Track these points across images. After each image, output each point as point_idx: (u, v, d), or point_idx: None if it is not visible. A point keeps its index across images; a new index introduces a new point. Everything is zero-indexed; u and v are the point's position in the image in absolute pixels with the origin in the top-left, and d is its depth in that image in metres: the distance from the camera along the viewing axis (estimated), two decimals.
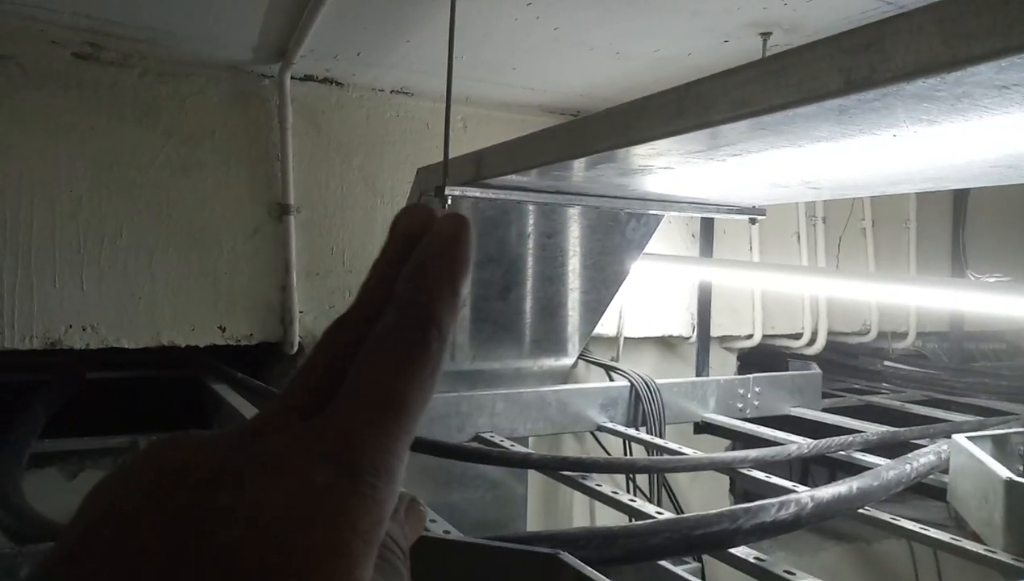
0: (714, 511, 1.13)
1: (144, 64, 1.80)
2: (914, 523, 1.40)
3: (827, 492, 1.29)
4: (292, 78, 1.93)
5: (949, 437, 1.60)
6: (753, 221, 1.65)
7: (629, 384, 2.19)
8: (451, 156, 1.39)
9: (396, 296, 0.28)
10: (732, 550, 1.17)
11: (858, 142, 0.81)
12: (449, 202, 1.33)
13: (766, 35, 1.63)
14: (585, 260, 1.89)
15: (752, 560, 1.15)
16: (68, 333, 1.73)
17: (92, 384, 2.10)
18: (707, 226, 2.56)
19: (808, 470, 3.27)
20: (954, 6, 0.55)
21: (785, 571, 1.11)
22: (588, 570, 0.77)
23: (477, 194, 1.33)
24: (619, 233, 1.83)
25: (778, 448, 1.79)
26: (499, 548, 0.84)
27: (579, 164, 1.08)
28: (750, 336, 2.84)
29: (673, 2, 1.48)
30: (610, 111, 0.94)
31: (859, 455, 1.84)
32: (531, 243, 1.78)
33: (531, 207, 1.67)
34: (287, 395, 0.28)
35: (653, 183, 1.30)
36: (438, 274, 0.28)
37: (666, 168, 1.08)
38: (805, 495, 1.25)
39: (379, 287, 0.30)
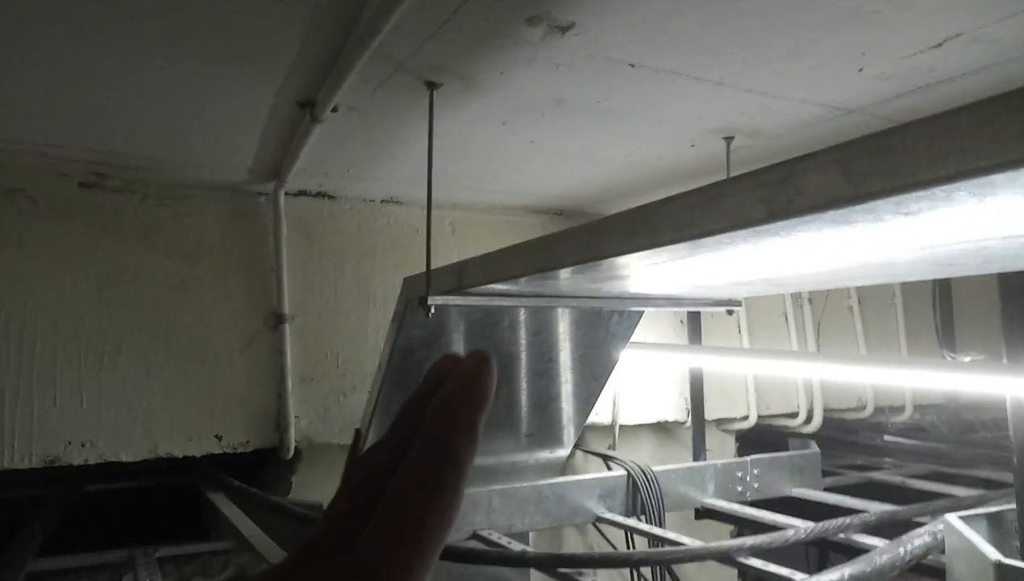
0: None
1: (145, 189, 1.91)
2: None
3: None
4: (286, 194, 2.04)
5: (947, 515, 1.60)
6: (730, 312, 1.71)
7: (626, 473, 2.20)
8: (440, 260, 1.47)
9: (422, 432, 0.32)
10: None
11: (795, 251, 0.88)
12: (432, 311, 1.39)
13: (729, 139, 1.73)
14: (572, 354, 1.94)
15: None
16: (67, 450, 1.77)
17: (90, 496, 2.11)
18: (694, 313, 2.62)
19: (826, 554, 3.20)
20: (852, 149, 0.63)
21: None
22: None
23: (459, 302, 1.40)
24: (603, 327, 1.89)
25: (776, 534, 1.78)
26: None
27: (552, 274, 1.14)
28: (746, 417, 2.86)
29: (637, 114, 1.59)
30: (572, 230, 1.02)
31: (859, 536, 1.83)
32: (518, 341, 1.83)
33: (516, 309, 1.74)
34: (321, 529, 0.31)
35: (628, 284, 1.37)
36: (458, 411, 0.32)
37: (633, 275, 1.14)
38: None
39: (407, 419, 0.34)
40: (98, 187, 1.85)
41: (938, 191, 0.58)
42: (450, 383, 0.33)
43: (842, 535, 1.85)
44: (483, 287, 1.39)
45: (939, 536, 1.59)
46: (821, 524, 1.84)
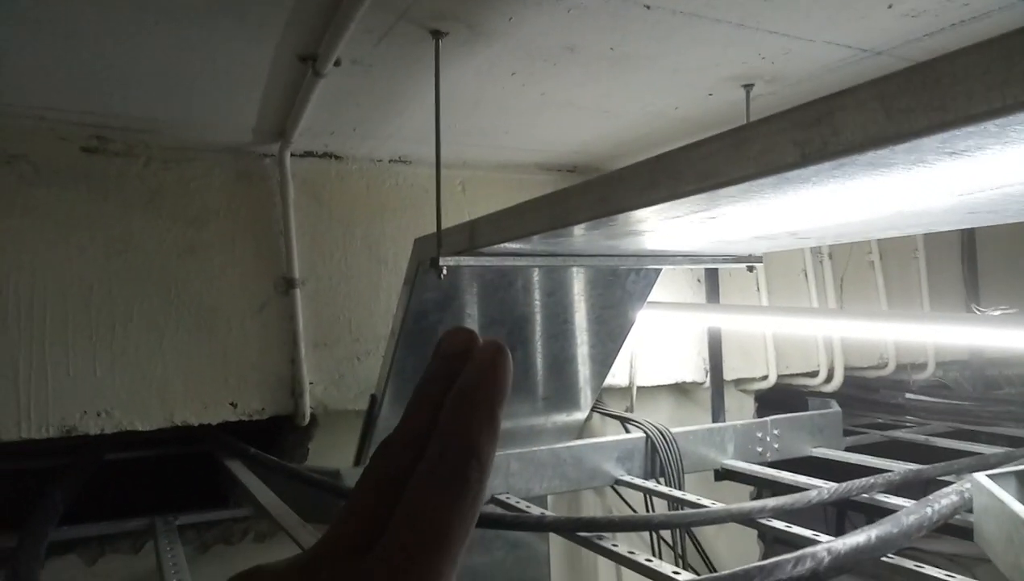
0: (727, 572, 1.11)
1: (148, 152, 1.87)
2: (939, 570, 1.36)
3: (844, 543, 1.25)
4: (292, 155, 1.99)
5: (975, 473, 1.56)
6: (751, 269, 1.65)
7: (644, 435, 2.17)
8: (450, 221, 1.42)
9: (439, 427, 0.31)
10: None
11: (825, 201, 0.83)
12: (444, 272, 1.35)
13: (748, 86, 1.66)
14: (588, 315, 1.90)
15: None
16: (83, 419, 1.76)
17: (110, 465, 2.12)
18: (712, 271, 2.56)
19: (845, 514, 3.18)
20: (893, 82, 0.57)
21: None
22: None
23: (471, 263, 1.36)
24: (619, 287, 1.84)
25: (798, 495, 1.75)
26: None
27: (566, 231, 1.10)
28: (765, 377, 2.81)
29: (653, 62, 1.51)
30: (588, 183, 0.96)
31: (883, 497, 1.80)
32: (533, 302, 1.79)
33: (529, 268, 1.69)
34: (340, 528, 0.30)
35: (644, 241, 1.31)
36: (478, 404, 0.31)
37: (650, 230, 1.09)
38: (822, 548, 1.22)
39: (422, 409, 0.32)
40: (100, 151, 1.81)
41: (991, 126, 0.53)
42: (467, 375, 0.32)
43: (866, 495, 1.81)
44: (496, 247, 1.34)
45: (966, 495, 1.55)
46: (844, 484, 1.81)
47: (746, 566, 1.15)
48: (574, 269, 1.74)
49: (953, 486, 1.59)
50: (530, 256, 1.43)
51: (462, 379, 0.32)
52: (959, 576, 1.33)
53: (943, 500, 1.51)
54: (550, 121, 1.92)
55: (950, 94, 0.53)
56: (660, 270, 1.85)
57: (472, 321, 1.77)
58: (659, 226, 1.04)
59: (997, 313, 1.49)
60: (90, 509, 1.83)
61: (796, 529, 1.59)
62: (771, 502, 1.69)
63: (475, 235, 1.28)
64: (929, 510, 1.47)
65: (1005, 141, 0.57)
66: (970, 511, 1.55)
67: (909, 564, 1.38)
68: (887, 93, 0.57)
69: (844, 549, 1.25)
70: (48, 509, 1.68)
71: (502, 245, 1.33)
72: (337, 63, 1.40)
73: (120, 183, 1.84)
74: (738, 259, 1.62)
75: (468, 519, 0.29)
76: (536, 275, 1.73)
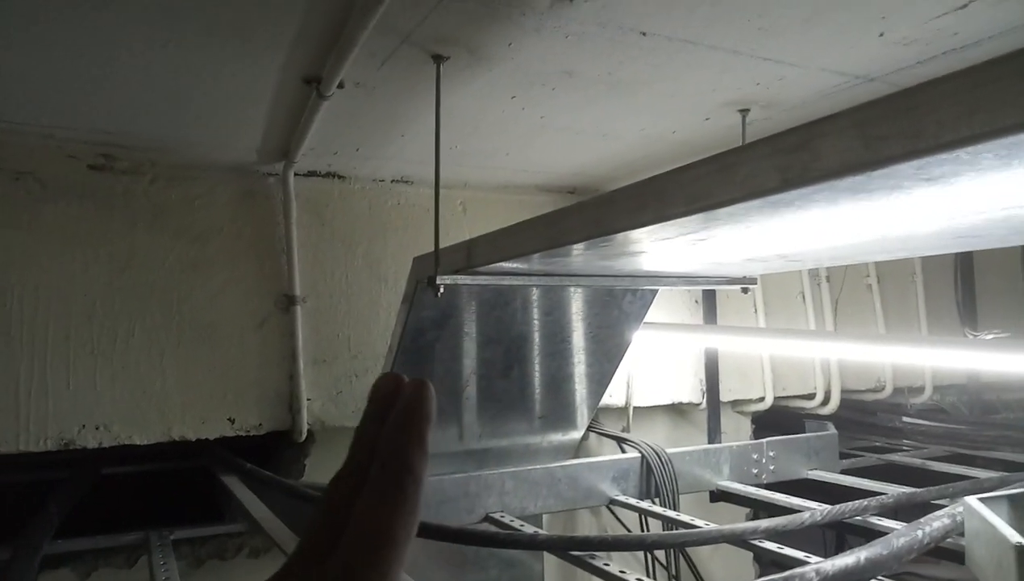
0: None
1: (155, 171, 1.90)
2: None
3: (833, 565, 1.26)
4: (296, 174, 2.02)
5: (967, 496, 1.57)
6: (745, 290, 1.68)
7: (640, 455, 2.17)
8: (452, 240, 1.45)
9: (378, 453, 0.37)
10: None
11: (811, 224, 0.85)
12: (442, 290, 1.37)
13: (744, 111, 1.69)
14: (585, 335, 1.92)
15: None
16: (81, 433, 1.77)
17: (106, 479, 2.13)
18: (709, 292, 2.59)
19: (843, 536, 3.17)
20: (871, 110, 0.60)
21: None
22: None
23: (468, 282, 1.38)
24: (616, 307, 1.87)
25: (791, 517, 1.75)
26: None
27: (562, 251, 1.12)
28: (762, 399, 2.82)
29: (650, 88, 1.55)
30: (582, 205, 0.99)
31: (876, 520, 1.80)
32: (530, 321, 1.81)
33: (527, 288, 1.72)
34: (302, 546, 0.36)
35: (640, 262, 1.34)
36: (408, 430, 0.38)
37: (644, 251, 1.12)
38: (810, 569, 1.23)
39: (363, 444, 0.39)
40: (107, 169, 1.84)
41: (963, 153, 0.55)
42: (398, 408, 0.38)
43: (859, 518, 1.82)
44: (493, 266, 1.37)
45: (958, 519, 1.55)
46: (838, 507, 1.81)
47: None
48: (571, 289, 1.76)
49: (945, 509, 1.60)
50: (527, 275, 1.45)
51: (394, 413, 0.38)
52: None
53: (935, 523, 1.52)
54: (549, 144, 1.96)
55: (924, 122, 0.55)
56: (656, 291, 1.87)
57: (470, 339, 1.79)
58: (652, 247, 1.06)
59: (989, 337, 1.51)
60: (85, 523, 1.83)
61: (788, 551, 1.59)
62: (764, 523, 1.69)
63: (473, 254, 1.31)
64: (920, 533, 1.47)
65: (978, 168, 0.60)
66: (962, 534, 1.55)
67: None
68: (865, 120, 0.59)
69: (833, 571, 1.25)
70: (43, 522, 1.69)
71: (499, 264, 1.35)
72: (341, 85, 1.43)
73: (126, 200, 1.87)
74: (732, 281, 1.64)
75: (409, 524, 0.35)
76: (533, 295, 1.75)
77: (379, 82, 1.48)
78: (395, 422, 0.38)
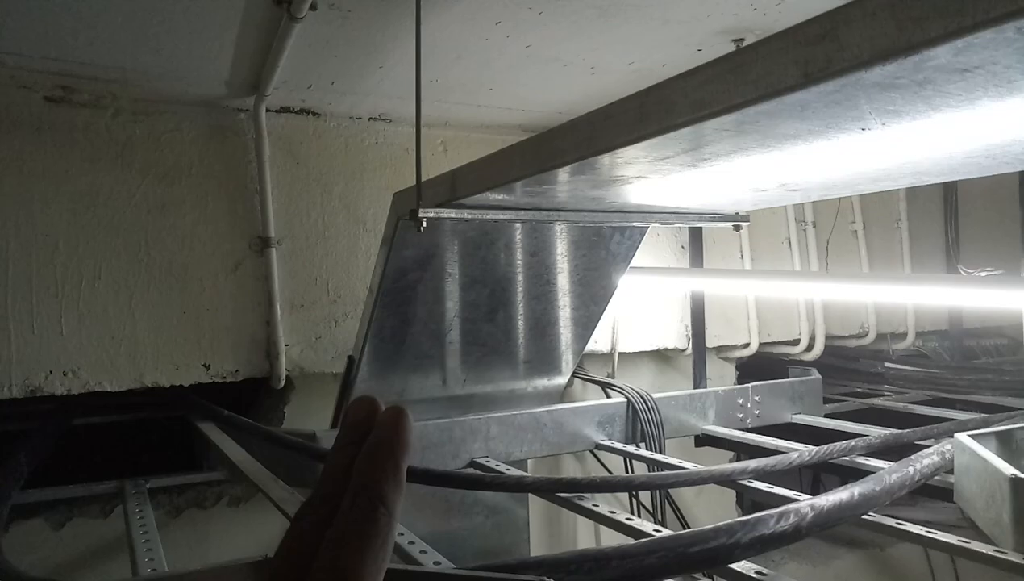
0: (710, 526, 1.09)
1: (117, 104, 1.79)
2: (920, 527, 1.36)
3: (827, 500, 1.24)
4: (268, 110, 1.92)
5: (953, 436, 1.57)
6: (737, 228, 1.63)
7: (626, 400, 2.15)
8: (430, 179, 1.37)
9: (351, 483, 0.35)
10: (733, 566, 1.13)
11: (828, 139, 0.79)
12: (424, 225, 1.31)
13: (739, 41, 1.62)
14: (571, 276, 1.87)
15: (753, 574, 1.11)
16: (49, 379, 1.70)
17: (79, 430, 2.07)
18: (695, 236, 2.54)
19: (819, 478, 3.22)
20: None
21: None
22: None
23: (452, 215, 1.31)
24: (603, 248, 1.81)
25: (779, 457, 1.74)
26: (483, 578, 0.81)
27: (551, 177, 1.06)
28: (747, 345, 2.81)
29: (642, 12, 1.47)
30: (575, 121, 0.92)
31: (863, 460, 1.80)
32: (515, 262, 1.75)
33: (513, 225, 1.65)
34: (270, 578, 0.34)
35: (631, 194, 1.28)
36: (383, 461, 0.35)
37: (639, 177, 1.05)
38: (805, 504, 1.21)
39: (334, 473, 0.36)
40: (65, 102, 1.73)
41: (1011, 30, 0.49)
42: (372, 436, 0.36)
43: (846, 458, 1.82)
44: (478, 198, 1.30)
45: (947, 456, 1.56)
46: (825, 447, 1.80)
47: (729, 521, 1.13)
48: (558, 228, 1.70)
49: (934, 447, 1.60)
50: (513, 209, 1.39)
51: (369, 440, 0.36)
52: (939, 531, 1.32)
53: (924, 460, 1.52)
54: (534, 77, 1.87)
55: None
56: (645, 231, 1.82)
57: (453, 281, 1.73)
58: (647, 170, 1.00)
59: (984, 274, 1.49)
60: (58, 475, 1.77)
61: (777, 490, 1.58)
62: (752, 463, 1.68)
63: (457, 185, 1.24)
64: (911, 469, 1.47)
65: None
66: (950, 472, 1.55)
67: (891, 522, 1.38)
68: (898, 0, 0.53)
69: (827, 505, 1.24)
70: (11, 470, 1.62)
71: (485, 196, 1.28)
72: (313, 6, 1.34)
73: (87, 136, 1.76)
74: (725, 217, 1.59)
75: (379, 562, 0.33)
76: (519, 234, 1.69)
77: (355, 4, 1.39)
78: (369, 451, 0.36)
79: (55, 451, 1.85)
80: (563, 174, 1.03)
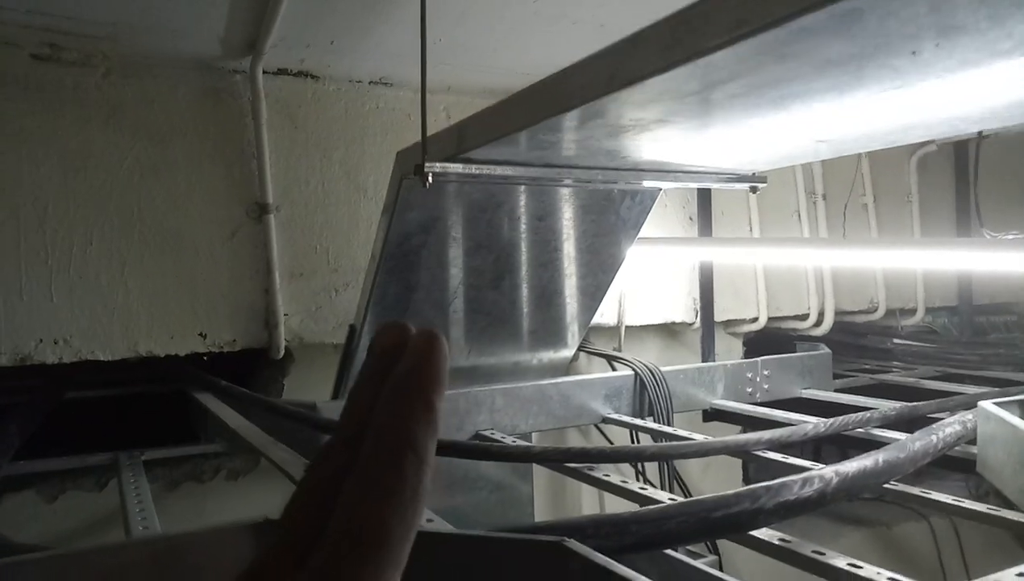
0: (732, 491, 1.05)
1: (107, 63, 1.72)
2: (947, 496, 1.31)
3: (852, 466, 1.20)
4: (264, 72, 1.85)
5: (971, 408, 1.53)
6: (754, 189, 1.57)
7: (633, 373, 2.10)
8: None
9: (372, 422, 0.29)
10: (754, 533, 1.08)
11: (876, 65, 0.73)
12: (430, 180, 1.24)
13: None
14: (579, 243, 1.81)
15: (777, 542, 1.06)
16: (39, 348, 1.64)
17: (72, 403, 2.01)
18: (704, 206, 2.48)
19: (820, 453, 3.18)
20: None
21: (814, 551, 1.03)
22: (598, 556, 0.68)
23: (459, 169, 1.25)
24: (613, 212, 1.75)
25: (793, 428, 1.70)
26: (498, 539, 0.76)
27: (567, 123, 0.99)
28: (755, 319, 2.76)
29: None
30: (597, 54, 0.86)
31: (878, 431, 1.76)
32: (522, 227, 1.69)
33: (520, 188, 1.59)
34: (275, 543, 0.28)
35: (645, 147, 1.22)
36: (412, 393, 0.29)
37: (659, 121, 0.99)
38: (829, 470, 1.16)
39: (357, 409, 0.30)
40: (53, 60, 1.66)
41: None
42: (400, 366, 0.30)
43: (861, 430, 1.77)
44: (486, 153, 1.24)
45: (969, 425, 1.52)
46: (841, 418, 1.76)
47: (752, 486, 1.09)
48: (566, 192, 1.64)
49: (954, 417, 1.55)
50: (523, 165, 1.32)
51: (395, 371, 0.30)
52: (967, 500, 1.28)
53: (947, 429, 1.47)
54: (542, 38, 1.80)
55: None
56: (656, 195, 1.76)
57: (457, 245, 1.67)
58: (669, 112, 0.94)
59: (1010, 237, 1.44)
60: (50, 448, 1.72)
61: (793, 460, 1.53)
62: (767, 434, 1.63)
63: (464, 136, 1.18)
64: (934, 438, 1.42)
65: None
66: (970, 443, 1.52)
67: (915, 490, 1.33)
68: None
69: (852, 471, 1.19)
70: (1, 440, 1.57)
71: (492, 151, 1.22)
72: None
73: (77, 95, 1.69)
74: (741, 178, 1.53)
75: (408, 517, 0.27)
76: (526, 197, 1.63)
77: None
78: (396, 384, 0.29)
79: (47, 423, 1.80)
80: (579, 118, 0.97)
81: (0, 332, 1.61)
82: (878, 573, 0.95)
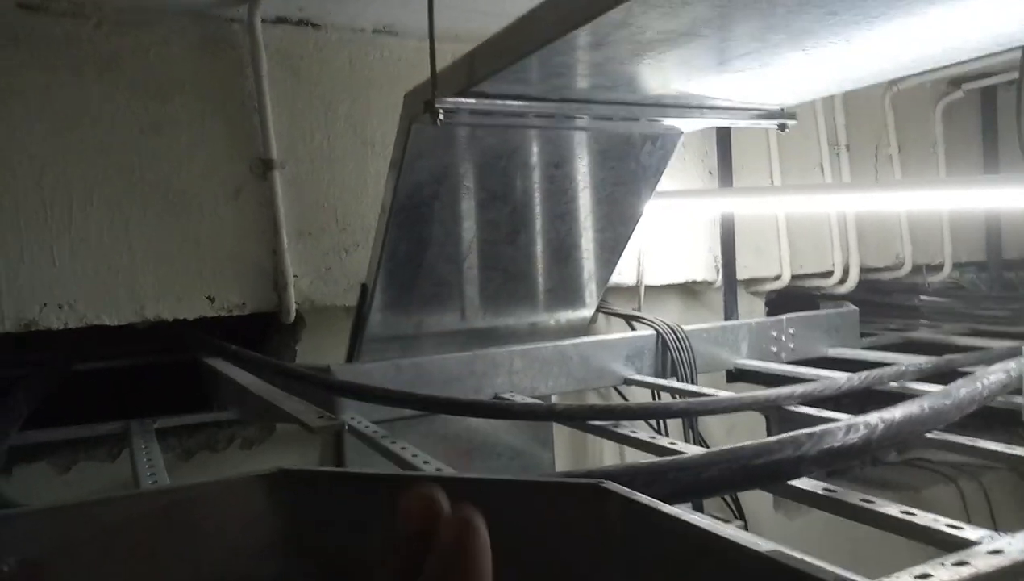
0: (774, 438, 0.98)
1: (100, 14, 1.64)
2: (994, 442, 1.24)
3: (897, 412, 1.12)
4: (263, 21, 1.77)
5: (1015, 358, 1.46)
6: (783, 127, 1.48)
7: (655, 333, 2.03)
8: None
9: None
10: (797, 484, 1.02)
11: None
12: (441, 117, 1.17)
13: None
14: (598, 193, 1.73)
15: (821, 492, 1.00)
16: (43, 312, 1.59)
17: (81, 374, 1.97)
18: (724, 158, 2.39)
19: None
20: None
21: (863, 499, 0.96)
22: (639, 496, 0.61)
23: (472, 104, 1.17)
24: (633, 158, 1.67)
25: (826, 381, 1.63)
26: (531, 482, 0.69)
27: (586, 38, 0.91)
28: (778, 277, 2.67)
29: None
30: None
31: (914, 385, 1.69)
32: (537, 175, 1.61)
33: (535, 133, 1.51)
34: None
35: (671, 74, 1.13)
36: None
37: (687, 34, 0.91)
38: (874, 416, 1.09)
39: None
40: (42, 10, 1.59)
41: None
42: (435, 564, 0.26)
43: (895, 383, 1.70)
44: (498, 87, 1.16)
45: (1012, 374, 1.45)
46: (875, 371, 1.69)
47: (795, 432, 1.02)
48: (584, 136, 1.56)
49: (998, 365, 1.48)
50: (537, 100, 1.24)
51: (432, 566, 0.26)
52: (1018, 446, 1.20)
53: (991, 377, 1.40)
54: None
55: None
56: (677, 140, 1.67)
57: (470, 196, 1.59)
58: (698, 20, 0.85)
59: None
60: (60, 419, 1.68)
61: (828, 414, 1.46)
62: (799, 388, 1.57)
63: (476, 64, 1.10)
64: (979, 385, 1.35)
65: None
66: (1015, 392, 1.45)
67: (961, 439, 1.26)
68: None
69: (898, 418, 1.12)
70: (8, 408, 1.53)
71: (505, 84, 1.14)
72: None
73: (69, 48, 1.62)
74: (769, 114, 1.44)
75: None
76: (541, 143, 1.54)
77: None
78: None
79: (57, 395, 1.76)
80: (600, 32, 0.89)
81: (2, 297, 1.55)
82: (935, 520, 0.88)
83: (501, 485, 0.70)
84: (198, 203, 1.74)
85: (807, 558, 0.49)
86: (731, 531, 0.55)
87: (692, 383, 1.96)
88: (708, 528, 0.57)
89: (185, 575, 0.76)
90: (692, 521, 0.58)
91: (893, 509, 0.92)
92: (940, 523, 0.86)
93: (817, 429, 1.02)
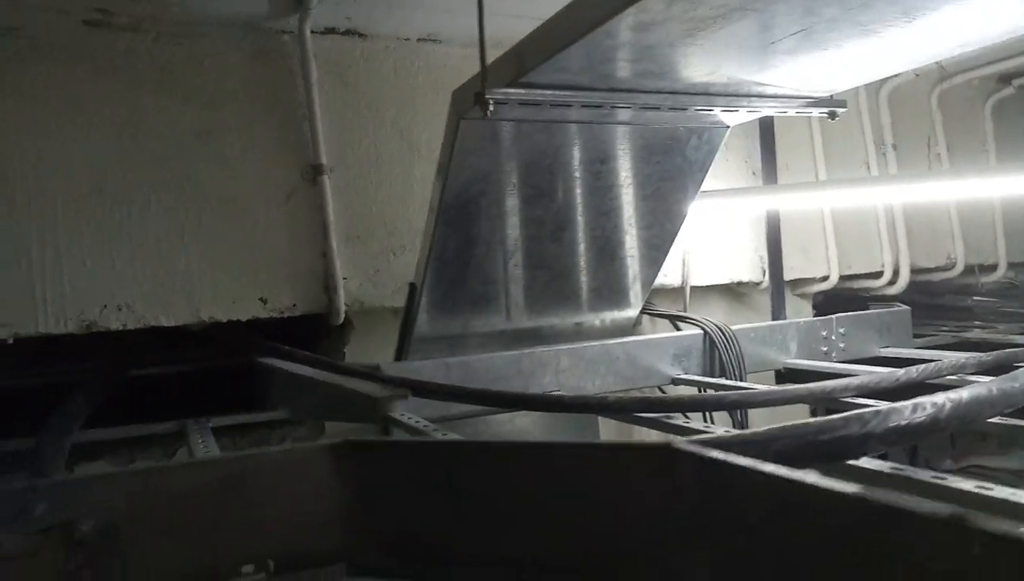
0: (840, 415, 0.96)
1: (157, 27, 1.71)
2: None
3: (965, 393, 1.09)
4: (312, 32, 1.82)
5: None
6: (832, 115, 1.46)
7: (702, 332, 2.01)
8: None
9: None
10: (861, 463, 0.99)
11: None
12: (491, 108, 1.18)
13: None
14: (643, 189, 1.72)
15: (889, 471, 0.97)
16: (104, 314, 1.64)
17: (138, 381, 2.02)
18: (768, 156, 2.37)
19: None
20: None
21: (934, 476, 0.93)
22: (710, 451, 0.61)
23: (521, 94, 1.19)
24: (679, 153, 1.66)
25: (884, 374, 1.59)
26: (603, 445, 0.70)
27: (634, 19, 0.92)
28: (826, 277, 2.62)
29: None
30: None
31: (974, 378, 1.64)
32: (582, 172, 1.62)
33: (580, 128, 1.52)
34: None
35: (722, 54, 1.13)
36: None
37: (740, 8, 0.91)
38: (941, 396, 1.06)
39: None
40: (104, 25, 1.66)
41: None
42: None
43: (953, 376, 1.66)
44: (546, 76, 1.17)
45: None
46: (933, 364, 1.64)
47: (861, 411, 0.99)
48: (629, 130, 1.56)
49: None
50: (584, 90, 1.25)
51: None
52: None
53: None
54: None
55: None
56: (724, 135, 1.66)
57: (516, 193, 1.60)
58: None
59: None
60: (117, 420, 1.72)
61: (885, 405, 1.43)
62: (855, 380, 1.53)
63: (525, 54, 1.11)
64: None
65: None
66: None
67: None
68: None
69: (966, 398, 1.08)
70: (69, 407, 1.57)
71: (552, 73, 1.15)
72: None
73: (128, 60, 1.69)
74: (819, 102, 1.43)
75: None
76: (587, 138, 1.55)
77: None
78: None
79: (115, 400, 1.80)
80: (646, 17, 0.89)
81: (65, 298, 1.61)
82: (1013, 493, 0.85)
83: (575, 449, 0.70)
84: (251, 208, 1.79)
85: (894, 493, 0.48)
86: (812, 477, 0.55)
87: (741, 382, 1.93)
88: (788, 476, 0.56)
89: (248, 541, 0.78)
90: (770, 471, 0.58)
91: (968, 484, 0.89)
92: (1019, 495, 0.83)
93: (883, 407, 1.00)
